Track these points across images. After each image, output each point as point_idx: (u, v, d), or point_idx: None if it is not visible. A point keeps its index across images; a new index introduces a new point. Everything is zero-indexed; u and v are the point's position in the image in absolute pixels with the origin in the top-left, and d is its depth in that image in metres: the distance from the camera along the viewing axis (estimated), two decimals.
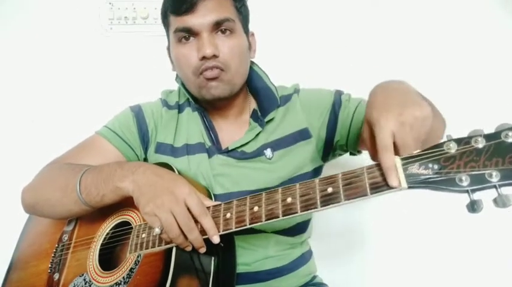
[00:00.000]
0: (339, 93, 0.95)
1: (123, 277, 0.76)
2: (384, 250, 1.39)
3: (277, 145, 0.91)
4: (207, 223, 0.69)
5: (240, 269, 0.86)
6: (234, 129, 0.95)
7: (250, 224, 0.66)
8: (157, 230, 0.69)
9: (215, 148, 0.91)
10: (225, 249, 0.80)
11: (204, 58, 0.82)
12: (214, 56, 0.82)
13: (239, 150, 0.91)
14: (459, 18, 1.43)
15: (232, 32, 0.85)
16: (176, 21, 0.84)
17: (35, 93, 1.38)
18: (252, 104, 0.97)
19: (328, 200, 0.60)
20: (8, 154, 1.36)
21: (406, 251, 1.37)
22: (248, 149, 0.91)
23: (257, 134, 0.91)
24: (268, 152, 0.90)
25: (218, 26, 0.83)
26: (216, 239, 0.69)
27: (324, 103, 0.93)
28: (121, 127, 0.94)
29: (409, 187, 0.55)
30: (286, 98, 0.96)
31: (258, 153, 0.90)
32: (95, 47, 1.40)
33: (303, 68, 1.38)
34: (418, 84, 0.66)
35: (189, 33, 0.83)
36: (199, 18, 0.81)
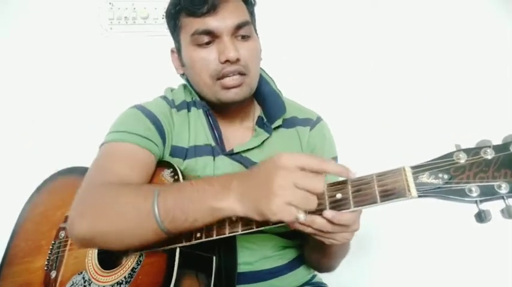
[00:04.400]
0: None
1: (125, 277, 0.75)
2: (383, 250, 1.42)
3: None
4: (333, 166, 0.58)
5: (243, 268, 0.86)
6: (238, 133, 0.93)
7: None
8: (302, 217, 0.57)
9: (219, 148, 0.89)
10: (226, 249, 0.80)
11: (226, 61, 0.79)
12: (237, 60, 0.80)
13: (244, 155, 0.89)
14: (460, 21, 1.44)
15: (250, 36, 0.84)
16: (194, 23, 0.80)
17: (35, 93, 1.38)
18: (257, 111, 0.96)
19: (337, 206, 0.60)
20: (8, 154, 1.35)
21: (405, 252, 1.39)
22: (253, 156, 0.89)
23: (263, 141, 0.90)
24: None
25: (238, 30, 0.81)
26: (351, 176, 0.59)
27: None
28: (138, 127, 0.83)
29: (419, 196, 0.55)
30: (304, 122, 0.95)
31: None
32: (95, 47, 1.40)
33: (299, 69, 1.38)
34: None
35: (209, 36, 0.80)
36: (221, 21, 0.79)
